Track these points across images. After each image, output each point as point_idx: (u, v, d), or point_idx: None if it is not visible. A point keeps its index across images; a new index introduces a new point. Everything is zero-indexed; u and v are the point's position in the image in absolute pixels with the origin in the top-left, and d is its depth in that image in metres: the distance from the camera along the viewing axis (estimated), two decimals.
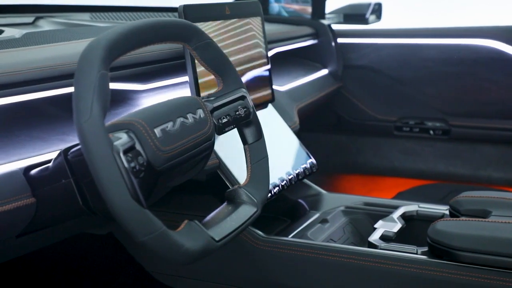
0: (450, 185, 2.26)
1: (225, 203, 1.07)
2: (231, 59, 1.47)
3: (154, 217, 0.83)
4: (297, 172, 1.56)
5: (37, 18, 1.80)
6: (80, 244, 1.62)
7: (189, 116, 0.98)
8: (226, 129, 1.09)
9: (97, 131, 0.79)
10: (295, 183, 1.54)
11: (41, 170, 0.96)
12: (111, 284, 1.63)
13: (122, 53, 0.90)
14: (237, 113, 1.10)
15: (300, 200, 1.65)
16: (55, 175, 0.94)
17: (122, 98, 1.30)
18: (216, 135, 1.06)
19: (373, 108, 2.48)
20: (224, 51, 1.43)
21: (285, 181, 1.49)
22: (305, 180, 1.68)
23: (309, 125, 2.53)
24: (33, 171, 0.97)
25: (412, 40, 2.40)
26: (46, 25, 1.76)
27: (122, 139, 0.85)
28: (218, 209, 1.04)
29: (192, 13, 1.34)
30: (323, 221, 1.52)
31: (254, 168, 1.12)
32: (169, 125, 0.93)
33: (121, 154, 0.82)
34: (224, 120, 1.07)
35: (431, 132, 2.40)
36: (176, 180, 1.04)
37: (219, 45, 1.42)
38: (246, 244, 1.37)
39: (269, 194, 1.42)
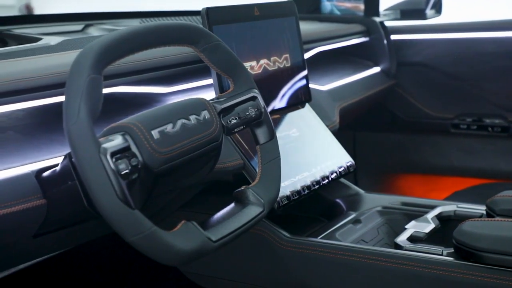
0: (510, 184, 2.17)
1: (232, 204, 1.07)
2: (264, 61, 1.48)
3: (143, 218, 0.84)
4: (331, 172, 1.54)
5: (86, 26, 1.85)
6: (113, 243, 1.66)
7: (192, 117, 0.98)
8: (236, 130, 1.09)
9: (84, 134, 0.82)
10: (328, 183, 1.52)
11: (51, 172, 1.00)
12: (144, 284, 1.67)
13: (118, 57, 0.92)
14: (247, 113, 1.10)
15: (337, 200, 1.63)
16: (62, 177, 0.97)
17: (148, 101, 1.32)
18: (224, 135, 1.07)
19: (429, 106, 2.41)
20: (254, 53, 1.45)
21: (316, 182, 1.48)
22: (343, 180, 1.65)
23: (364, 124, 2.50)
24: (44, 174, 1.00)
25: (469, 35, 2.32)
26: (94, 32, 1.80)
27: (114, 141, 0.87)
28: (224, 209, 1.05)
29: (215, 15, 1.34)
30: (356, 221, 1.49)
31: (265, 168, 1.12)
32: (169, 126, 0.94)
33: (108, 156, 0.83)
34: (233, 121, 1.08)
35: (490, 129, 2.31)
36: (185, 181, 1.05)
37: (249, 47, 1.43)
38: (271, 245, 1.37)
39: (297, 195, 1.41)
